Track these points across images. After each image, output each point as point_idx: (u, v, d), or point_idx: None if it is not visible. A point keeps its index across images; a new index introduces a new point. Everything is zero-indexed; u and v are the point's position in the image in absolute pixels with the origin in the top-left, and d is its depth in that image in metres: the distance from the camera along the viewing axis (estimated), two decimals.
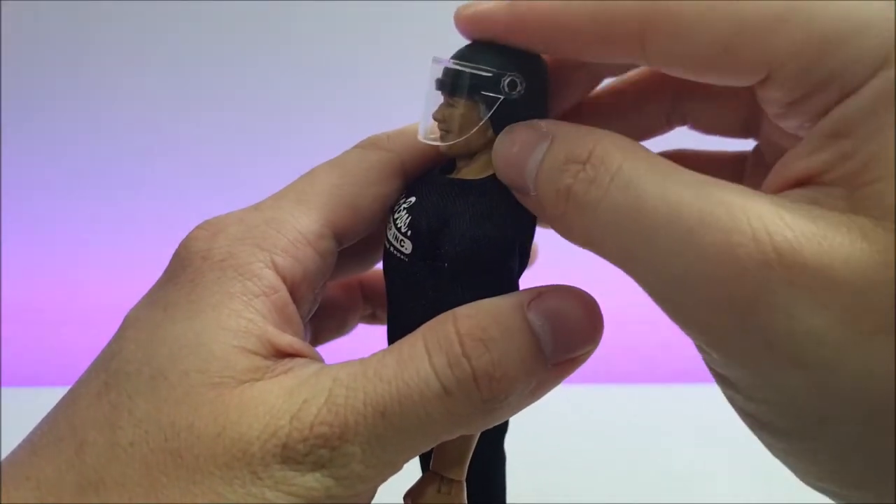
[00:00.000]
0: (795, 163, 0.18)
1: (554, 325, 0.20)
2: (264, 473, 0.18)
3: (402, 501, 0.23)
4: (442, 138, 0.23)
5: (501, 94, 0.22)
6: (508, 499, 0.27)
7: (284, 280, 0.21)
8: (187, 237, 0.22)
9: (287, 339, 0.21)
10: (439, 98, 0.23)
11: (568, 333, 0.20)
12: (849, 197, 0.17)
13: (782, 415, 0.17)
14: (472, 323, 0.19)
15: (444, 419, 0.19)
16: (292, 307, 0.22)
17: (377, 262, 0.29)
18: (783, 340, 0.16)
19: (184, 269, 0.21)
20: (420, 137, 0.24)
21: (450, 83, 0.23)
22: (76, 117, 0.65)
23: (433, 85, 0.23)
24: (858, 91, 0.17)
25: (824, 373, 0.16)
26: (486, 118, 0.22)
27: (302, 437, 0.18)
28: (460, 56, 0.23)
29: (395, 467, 0.19)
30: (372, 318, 0.33)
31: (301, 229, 0.22)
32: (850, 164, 0.17)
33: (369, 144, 0.25)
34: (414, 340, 0.20)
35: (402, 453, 0.19)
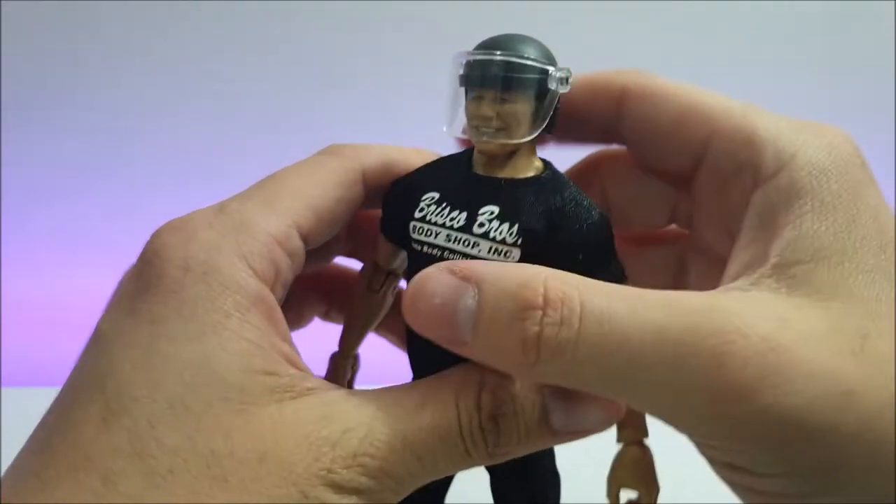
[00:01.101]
0: (738, 255, 0.22)
1: (568, 405, 0.22)
2: (311, 494, 0.18)
3: None
4: (492, 135, 0.22)
5: (557, 89, 0.22)
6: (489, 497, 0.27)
7: (267, 285, 0.22)
8: (156, 242, 0.21)
9: (285, 350, 0.21)
10: (462, 94, 0.23)
11: (582, 416, 0.22)
12: (782, 280, 0.20)
13: (794, 483, 0.19)
14: (491, 399, 0.21)
15: (461, 467, 0.21)
16: (278, 311, 0.22)
17: (332, 258, 0.30)
18: (791, 414, 0.18)
19: (160, 278, 0.20)
20: (456, 135, 0.24)
21: (509, 78, 0.22)
22: (77, 117, 0.65)
23: (458, 81, 0.23)
24: (771, 181, 0.22)
25: (830, 436, 0.18)
26: (545, 113, 0.23)
27: (346, 464, 0.19)
28: (498, 49, 0.22)
29: (410, 491, 0.21)
30: (326, 316, 0.33)
31: (271, 231, 0.22)
32: (777, 251, 0.20)
33: (332, 151, 0.26)
34: (446, 396, 0.21)
35: (421, 484, 0.21)
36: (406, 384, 0.22)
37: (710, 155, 0.24)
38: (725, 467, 0.21)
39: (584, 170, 0.29)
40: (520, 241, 0.22)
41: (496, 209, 0.22)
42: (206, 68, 0.64)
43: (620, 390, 0.20)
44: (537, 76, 0.22)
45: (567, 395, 0.21)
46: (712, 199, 0.25)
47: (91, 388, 0.19)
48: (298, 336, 0.24)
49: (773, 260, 0.20)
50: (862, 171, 0.21)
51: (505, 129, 0.22)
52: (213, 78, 0.65)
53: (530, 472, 0.26)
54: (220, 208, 0.22)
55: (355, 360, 0.29)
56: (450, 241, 0.22)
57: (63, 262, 0.67)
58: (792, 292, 0.20)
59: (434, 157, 0.26)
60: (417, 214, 0.23)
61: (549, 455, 0.26)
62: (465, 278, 0.20)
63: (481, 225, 0.22)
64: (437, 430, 0.20)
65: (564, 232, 0.22)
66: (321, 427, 0.19)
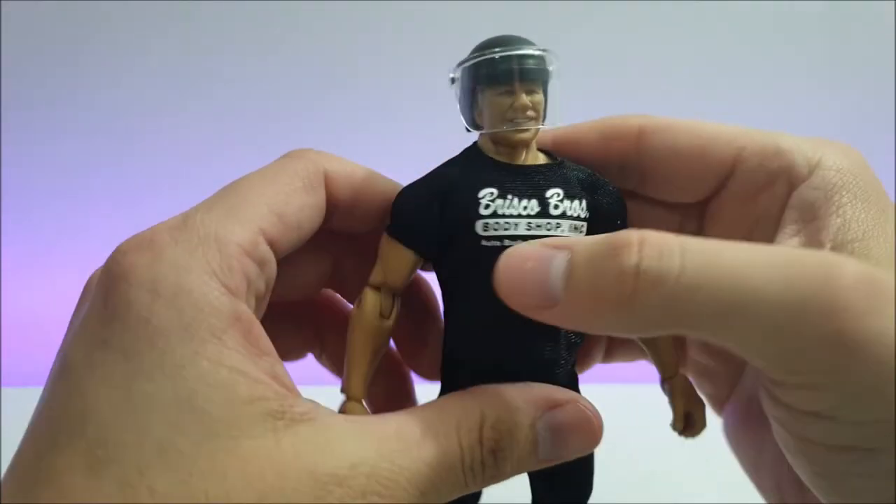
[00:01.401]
0: (784, 244, 0.23)
1: (555, 437, 0.23)
2: None
3: None
4: (530, 124, 0.24)
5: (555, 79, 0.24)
6: (506, 498, 0.27)
7: (239, 299, 0.21)
8: (122, 263, 0.20)
9: (268, 367, 0.20)
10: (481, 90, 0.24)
11: (565, 450, 0.23)
12: (843, 255, 0.21)
13: (889, 430, 0.19)
14: (492, 434, 0.21)
15: (455, 496, 0.21)
16: (256, 325, 0.21)
17: (317, 281, 0.29)
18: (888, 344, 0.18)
19: (129, 305, 0.19)
20: (485, 130, 0.24)
21: (537, 70, 0.24)
22: (77, 118, 0.65)
23: (479, 79, 0.24)
24: (805, 182, 0.23)
25: None
26: (549, 102, 0.24)
27: (355, 502, 0.19)
28: (510, 45, 0.24)
29: None
30: (319, 357, 0.31)
31: (238, 241, 0.21)
32: (830, 236, 0.22)
33: (294, 155, 0.25)
34: (448, 431, 0.21)
35: None
36: (405, 412, 0.22)
37: (739, 171, 0.26)
38: (813, 420, 0.20)
39: None
40: (588, 215, 0.24)
41: (560, 191, 0.24)
42: (207, 68, 0.64)
43: (727, 321, 0.19)
44: (550, 67, 0.24)
45: (555, 427, 0.22)
46: (736, 215, 0.26)
47: (70, 430, 0.18)
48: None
49: (828, 244, 0.22)
50: (872, 173, 0.24)
51: (535, 118, 0.24)
52: (213, 78, 0.65)
53: (579, 477, 0.26)
54: (184, 220, 0.21)
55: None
56: (531, 228, 0.23)
57: (63, 263, 0.67)
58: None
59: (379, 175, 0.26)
60: (485, 211, 0.23)
61: (592, 462, 0.27)
62: (557, 246, 0.20)
63: (556, 206, 0.23)
64: (440, 466, 0.20)
65: (603, 201, 0.25)
66: (324, 460, 0.19)
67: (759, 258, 0.19)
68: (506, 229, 0.23)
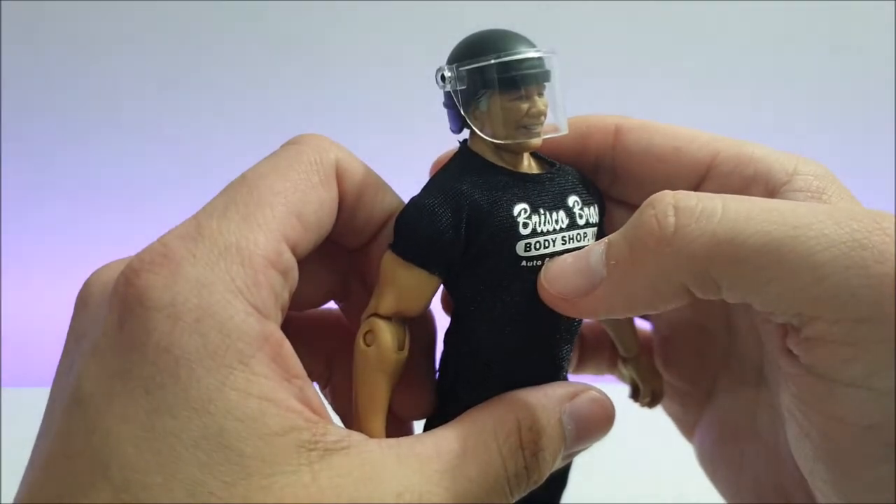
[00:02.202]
0: None
1: (578, 427, 0.23)
2: None
3: None
4: (541, 132, 0.23)
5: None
6: None
7: (269, 317, 0.19)
8: (131, 283, 0.18)
9: (299, 392, 0.19)
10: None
11: (587, 436, 0.23)
12: None
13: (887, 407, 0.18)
14: (531, 436, 0.21)
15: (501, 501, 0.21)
16: (285, 345, 0.19)
17: (323, 295, 0.26)
18: None
19: (148, 333, 0.18)
20: (490, 137, 0.23)
21: (547, 73, 0.23)
22: (78, 118, 0.65)
23: (490, 83, 0.22)
24: (786, 185, 0.23)
25: None
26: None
27: None
28: (516, 47, 0.23)
29: None
30: (323, 389, 0.28)
31: (262, 252, 0.19)
32: None
33: (303, 142, 0.23)
34: (487, 441, 0.21)
35: None
36: (440, 429, 0.21)
37: (713, 175, 0.25)
38: (847, 391, 0.19)
39: None
40: (601, 219, 0.24)
41: (576, 198, 0.23)
42: (208, 68, 0.64)
43: (778, 255, 0.18)
44: (551, 67, 0.23)
45: (577, 416, 0.23)
46: None
47: (92, 471, 0.17)
48: None
49: None
50: (843, 186, 0.24)
51: (542, 122, 0.23)
52: (216, 78, 0.65)
53: (555, 477, 0.26)
54: (198, 228, 0.19)
55: None
56: (566, 242, 0.23)
57: (63, 263, 0.67)
58: None
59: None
60: (524, 231, 0.22)
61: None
62: (592, 246, 0.22)
63: (580, 216, 0.23)
64: (485, 479, 0.20)
65: (601, 201, 0.25)
66: (367, 492, 0.18)
67: (803, 204, 0.19)
68: (546, 247, 0.22)
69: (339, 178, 0.23)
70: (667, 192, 0.20)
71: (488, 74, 0.22)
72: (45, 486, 0.18)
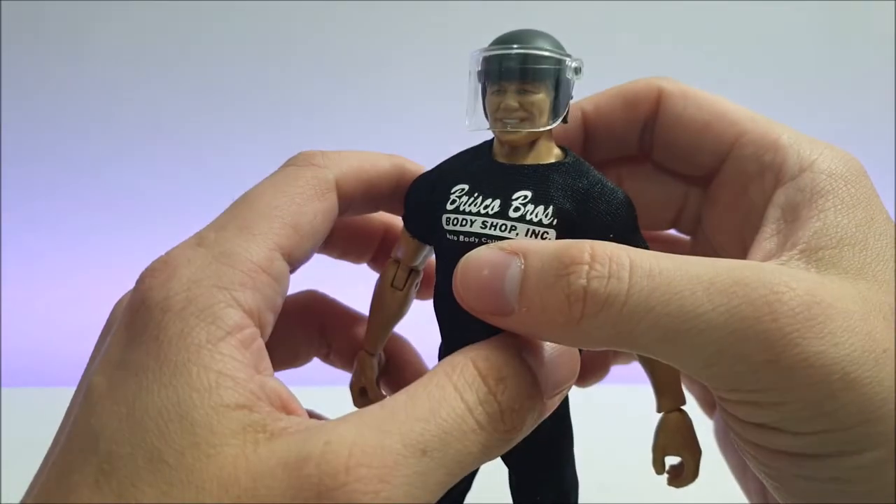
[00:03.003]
0: (762, 244, 0.24)
1: (548, 367, 0.22)
2: None
3: None
4: (517, 125, 0.23)
5: (573, 79, 0.24)
6: (508, 498, 0.27)
7: (251, 315, 0.21)
8: (140, 289, 0.21)
9: (264, 383, 0.20)
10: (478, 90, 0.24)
11: (557, 373, 0.22)
12: (811, 261, 0.22)
13: (831, 440, 0.20)
14: (489, 364, 0.21)
15: (477, 450, 0.19)
16: (259, 342, 0.21)
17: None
18: (837, 363, 0.19)
19: (145, 325, 0.20)
20: (478, 128, 0.24)
21: (530, 70, 0.23)
22: (78, 118, 0.65)
23: (478, 77, 0.24)
24: (793, 181, 0.24)
25: (872, 388, 0.19)
26: (564, 102, 0.24)
27: (337, 478, 0.17)
28: (515, 42, 0.23)
29: (431, 501, 0.19)
30: (326, 357, 0.32)
31: (253, 258, 0.21)
32: (804, 238, 0.22)
33: (302, 161, 0.25)
34: (440, 381, 0.20)
35: (439, 487, 0.19)
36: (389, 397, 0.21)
37: (734, 156, 0.26)
38: (758, 429, 0.21)
39: (602, 165, 0.31)
40: (555, 222, 0.23)
41: (529, 193, 0.23)
42: (208, 68, 0.64)
43: (672, 344, 0.19)
44: (554, 66, 0.23)
45: (541, 353, 0.22)
46: (730, 200, 0.27)
47: (84, 449, 0.19)
48: None
49: (800, 245, 0.22)
50: (870, 184, 0.24)
51: (528, 118, 0.23)
52: (216, 78, 0.65)
53: (553, 478, 0.26)
54: (199, 241, 0.22)
55: (380, 358, 0.29)
56: (486, 227, 0.23)
57: (63, 263, 0.67)
58: (821, 271, 0.21)
59: (409, 163, 0.27)
60: (450, 206, 0.24)
61: (572, 461, 0.27)
62: (513, 252, 0.21)
63: (517, 209, 0.23)
64: (438, 415, 0.19)
65: (595, 212, 0.24)
66: (297, 449, 0.18)
67: (704, 279, 0.19)
68: (463, 225, 0.23)
69: (340, 185, 0.25)
70: (581, 259, 0.20)
71: (481, 66, 0.24)
72: (46, 468, 0.19)
